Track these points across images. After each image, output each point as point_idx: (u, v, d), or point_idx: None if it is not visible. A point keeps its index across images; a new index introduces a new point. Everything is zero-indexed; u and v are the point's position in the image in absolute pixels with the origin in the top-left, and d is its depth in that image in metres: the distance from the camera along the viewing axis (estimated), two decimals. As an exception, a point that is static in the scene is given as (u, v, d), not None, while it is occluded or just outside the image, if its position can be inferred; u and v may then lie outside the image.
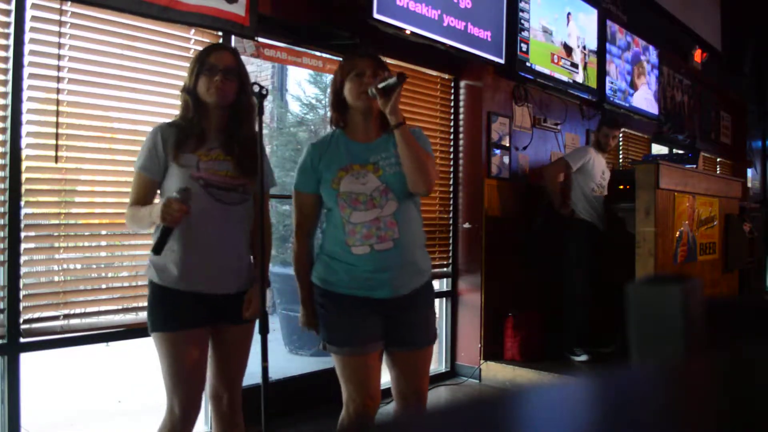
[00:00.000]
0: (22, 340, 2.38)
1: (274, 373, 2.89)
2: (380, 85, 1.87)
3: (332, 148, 1.99)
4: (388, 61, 3.74)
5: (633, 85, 5.67)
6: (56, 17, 2.45)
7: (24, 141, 2.38)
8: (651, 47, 6.00)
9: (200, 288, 1.90)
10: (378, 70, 1.96)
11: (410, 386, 2.07)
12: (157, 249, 1.79)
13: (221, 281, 1.93)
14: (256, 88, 1.95)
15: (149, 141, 1.92)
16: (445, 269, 4.26)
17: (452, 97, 4.31)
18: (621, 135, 5.86)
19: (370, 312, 1.96)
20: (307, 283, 2.04)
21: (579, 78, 4.88)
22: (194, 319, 1.90)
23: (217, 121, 1.96)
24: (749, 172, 8.93)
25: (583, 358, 4.11)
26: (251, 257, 2.06)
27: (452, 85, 4.30)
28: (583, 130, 5.24)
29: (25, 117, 2.37)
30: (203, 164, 1.90)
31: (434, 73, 4.16)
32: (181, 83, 2.01)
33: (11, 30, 2.34)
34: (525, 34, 4.29)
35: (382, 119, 1.97)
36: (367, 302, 1.96)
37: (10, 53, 2.34)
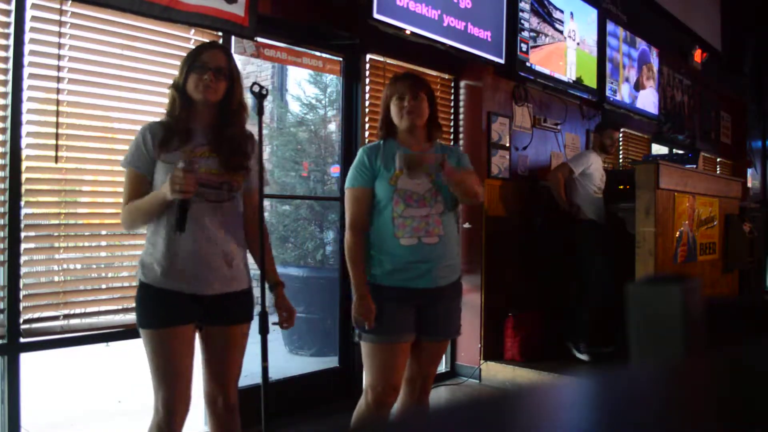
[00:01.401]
0: (22, 340, 2.38)
1: (274, 373, 2.89)
2: (402, 165, 2.05)
3: (387, 151, 2.18)
4: (388, 61, 3.77)
5: (640, 86, 5.67)
6: (56, 17, 2.45)
7: (24, 141, 2.38)
8: (652, 47, 6.00)
9: (186, 287, 1.88)
10: (418, 92, 2.17)
11: (421, 372, 2.24)
12: (180, 225, 1.79)
13: (208, 281, 1.90)
14: (256, 88, 1.95)
15: (136, 138, 1.92)
16: (445, 269, 4.26)
17: (452, 97, 4.31)
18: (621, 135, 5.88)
19: (407, 303, 2.12)
20: (363, 275, 2.16)
21: (574, 76, 4.88)
22: (180, 316, 1.88)
23: (204, 119, 1.95)
24: (749, 172, 8.93)
25: (584, 357, 4.12)
26: (246, 256, 2.05)
27: (452, 85, 4.30)
28: (583, 130, 5.24)
29: (25, 117, 2.37)
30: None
31: (434, 73, 4.16)
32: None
33: (11, 30, 2.34)
34: (525, 34, 4.29)
35: (427, 130, 2.23)
36: (406, 293, 2.11)
37: (10, 53, 2.34)
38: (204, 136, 1.94)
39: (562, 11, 4.69)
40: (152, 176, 1.91)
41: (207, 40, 2.87)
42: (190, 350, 1.94)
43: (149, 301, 1.91)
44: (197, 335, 1.98)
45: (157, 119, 2.02)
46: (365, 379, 2.14)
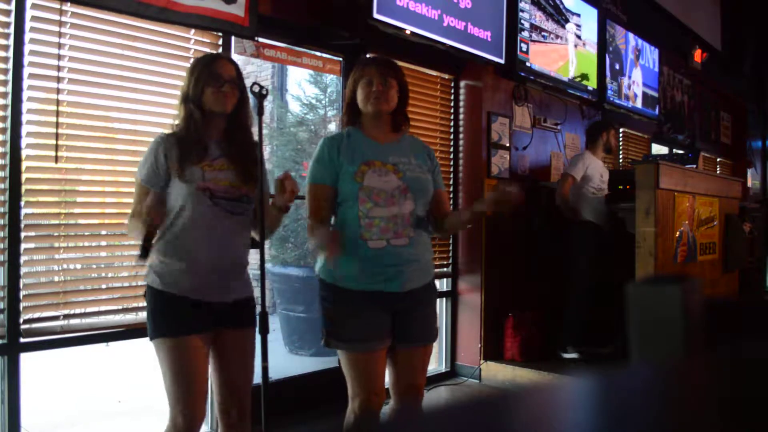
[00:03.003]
0: (22, 340, 2.38)
1: (274, 373, 2.89)
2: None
3: (351, 142, 2.06)
4: (388, 61, 3.76)
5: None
6: (56, 17, 2.45)
7: (24, 141, 2.38)
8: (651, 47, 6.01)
9: (204, 296, 1.90)
10: (387, 77, 2.05)
11: (409, 382, 2.12)
12: (143, 254, 1.82)
13: (225, 289, 1.93)
14: (256, 88, 1.95)
15: (150, 154, 1.92)
16: (445, 269, 4.26)
17: (452, 97, 4.31)
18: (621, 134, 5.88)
19: (379, 308, 2.00)
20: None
21: (574, 76, 4.87)
22: (196, 325, 1.89)
23: (218, 130, 1.97)
24: (749, 172, 8.93)
25: (573, 356, 4.07)
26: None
27: (452, 85, 4.30)
28: (583, 130, 5.22)
29: (25, 117, 2.37)
30: (208, 174, 1.90)
31: (434, 73, 4.16)
32: (182, 83, 2.00)
33: (11, 30, 2.34)
34: (525, 34, 4.29)
35: (393, 122, 2.10)
36: (377, 297, 1.99)
37: (10, 53, 2.34)
38: (218, 148, 1.95)
39: (564, 9, 4.69)
40: (164, 189, 1.91)
41: (207, 41, 2.88)
42: (206, 360, 1.94)
43: (163, 309, 1.90)
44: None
45: (163, 120, 2.03)
46: (348, 389, 2.05)
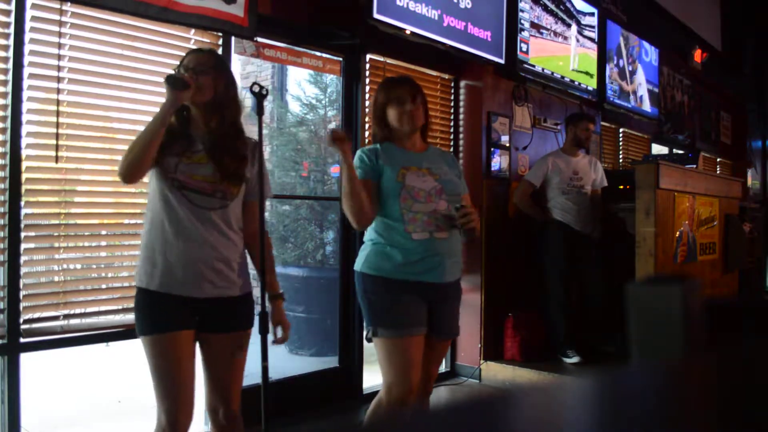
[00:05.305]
0: (22, 340, 2.38)
1: (274, 373, 2.89)
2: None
3: (387, 151, 2.23)
4: (388, 61, 3.77)
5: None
6: (56, 17, 2.45)
7: (24, 141, 2.38)
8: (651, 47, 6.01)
9: (181, 291, 1.86)
10: (416, 96, 2.22)
11: (426, 372, 2.24)
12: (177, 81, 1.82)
13: (199, 284, 1.87)
14: (256, 88, 1.94)
15: None
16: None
17: (452, 97, 4.31)
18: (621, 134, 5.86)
19: (418, 297, 2.13)
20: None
21: (574, 76, 4.88)
22: (178, 322, 1.86)
23: (200, 123, 1.93)
24: (749, 172, 8.93)
25: (575, 360, 4.03)
26: (246, 261, 2.03)
27: (452, 85, 4.30)
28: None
29: (25, 117, 2.37)
30: (182, 166, 1.86)
31: (434, 73, 4.16)
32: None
33: (11, 30, 2.34)
34: (525, 34, 4.29)
35: (423, 133, 2.30)
36: (417, 287, 2.12)
37: (10, 53, 2.34)
38: (201, 141, 1.91)
39: (576, 11, 4.69)
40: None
41: (207, 41, 2.88)
42: (191, 358, 1.91)
43: (146, 307, 1.90)
44: (197, 345, 1.96)
45: None
46: (383, 380, 2.13)
